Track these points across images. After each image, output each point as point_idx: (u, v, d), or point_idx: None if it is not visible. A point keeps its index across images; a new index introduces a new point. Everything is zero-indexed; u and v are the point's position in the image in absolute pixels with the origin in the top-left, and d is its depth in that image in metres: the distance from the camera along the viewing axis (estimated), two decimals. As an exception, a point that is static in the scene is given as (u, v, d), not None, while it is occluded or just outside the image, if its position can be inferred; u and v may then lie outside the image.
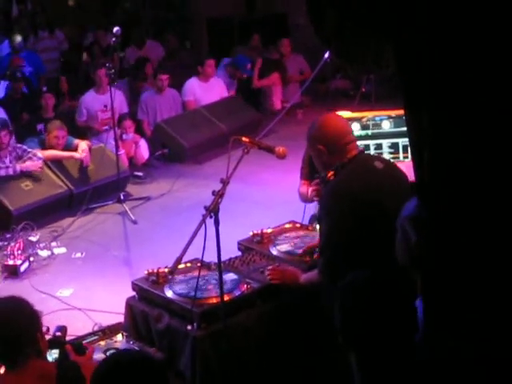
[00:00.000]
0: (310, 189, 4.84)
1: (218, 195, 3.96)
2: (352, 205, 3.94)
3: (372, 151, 5.68)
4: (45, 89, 10.31)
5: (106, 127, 9.14)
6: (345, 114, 5.86)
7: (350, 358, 2.79)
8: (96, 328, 4.77)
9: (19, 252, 6.59)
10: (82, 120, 9.63)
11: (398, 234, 3.01)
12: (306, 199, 5.06)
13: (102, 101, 9.41)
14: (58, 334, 4.08)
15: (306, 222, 5.31)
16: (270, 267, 4.57)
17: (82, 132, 9.35)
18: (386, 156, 5.56)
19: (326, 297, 3.88)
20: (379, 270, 2.87)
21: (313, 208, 5.22)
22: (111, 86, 8.02)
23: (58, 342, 3.79)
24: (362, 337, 2.69)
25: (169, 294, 4.40)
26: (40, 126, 8.93)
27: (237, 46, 12.87)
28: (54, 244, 7.08)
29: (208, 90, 10.64)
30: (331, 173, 4.11)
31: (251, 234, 5.13)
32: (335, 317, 2.78)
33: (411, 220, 2.93)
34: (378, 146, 5.71)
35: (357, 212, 3.93)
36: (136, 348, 4.24)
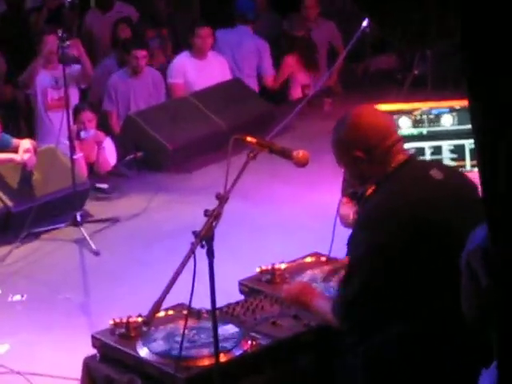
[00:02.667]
0: (354, 209, 4.87)
1: (213, 216, 3.98)
2: (401, 231, 3.98)
3: (428, 157, 5.71)
4: None
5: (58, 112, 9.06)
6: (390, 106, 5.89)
7: None
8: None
9: None
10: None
11: (463, 275, 3.00)
12: (348, 223, 5.05)
13: (51, 76, 9.55)
14: None
15: (334, 254, 5.32)
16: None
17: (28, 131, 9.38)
18: (448, 163, 5.59)
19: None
20: (423, 324, 2.80)
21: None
22: (64, 64, 8.08)
23: None
24: None
25: (143, 352, 4.42)
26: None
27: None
28: (-17, 282, 7.13)
29: (203, 69, 10.68)
30: (372, 188, 4.14)
31: (258, 270, 5.16)
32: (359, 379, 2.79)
33: (482, 255, 2.92)
34: (437, 150, 5.74)
35: (408, 241, 3.96)
36: None
